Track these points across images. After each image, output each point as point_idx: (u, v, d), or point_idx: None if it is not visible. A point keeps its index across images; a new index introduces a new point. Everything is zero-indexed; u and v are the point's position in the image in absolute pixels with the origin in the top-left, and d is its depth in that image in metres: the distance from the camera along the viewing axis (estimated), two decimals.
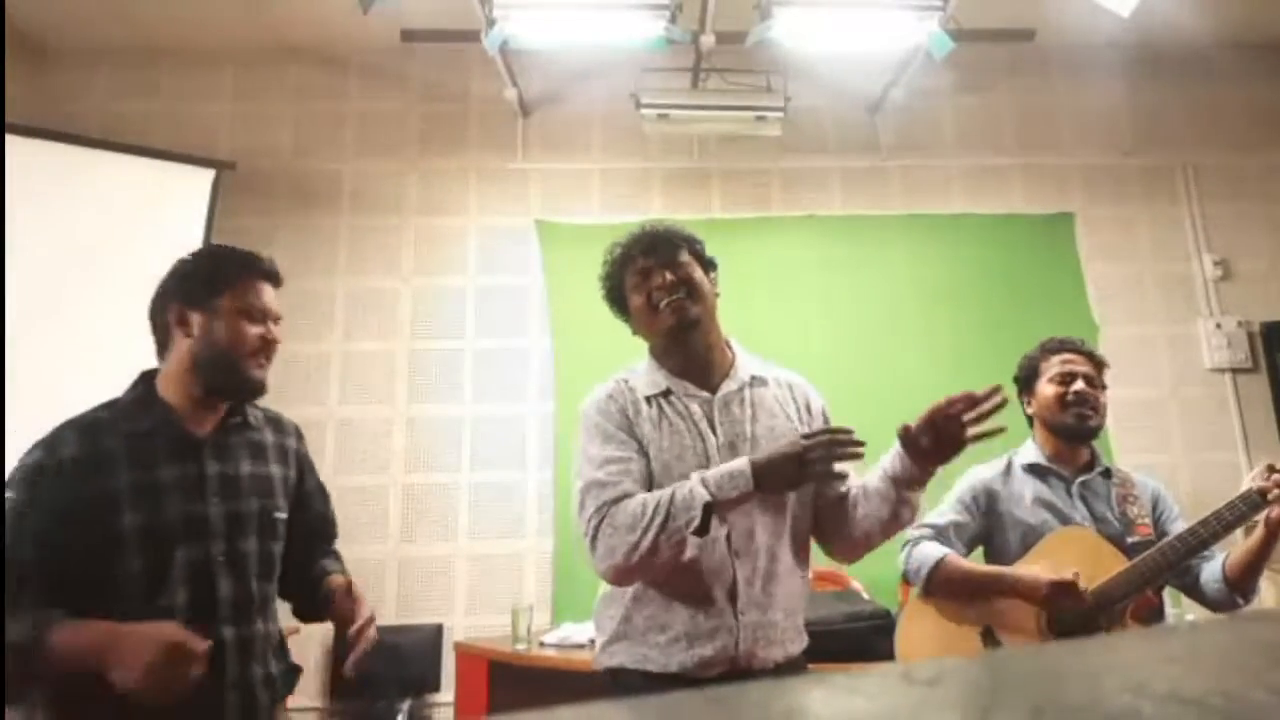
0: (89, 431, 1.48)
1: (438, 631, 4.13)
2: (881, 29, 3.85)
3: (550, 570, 4.17)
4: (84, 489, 1.43)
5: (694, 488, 1.45)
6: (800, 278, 4.53)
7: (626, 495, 1.49)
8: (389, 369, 4.51)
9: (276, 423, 1.72)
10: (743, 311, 4.82)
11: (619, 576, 1.50)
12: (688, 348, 1.65)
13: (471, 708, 3.28)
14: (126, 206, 3.72)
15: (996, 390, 1.49)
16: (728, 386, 1.64)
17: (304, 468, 1.74)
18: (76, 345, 3.35)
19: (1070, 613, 1.84)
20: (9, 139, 3.47)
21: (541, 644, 3.02)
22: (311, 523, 1.73)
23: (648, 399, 1.62)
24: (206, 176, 4.05)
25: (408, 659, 4.12)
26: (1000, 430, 1.49)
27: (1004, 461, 2.13)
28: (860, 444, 1.44)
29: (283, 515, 1.62)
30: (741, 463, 1.46)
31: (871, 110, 4.79)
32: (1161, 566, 1.79)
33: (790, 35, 3.83)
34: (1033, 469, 2.08)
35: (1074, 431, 2.05)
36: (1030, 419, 2.17)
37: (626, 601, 1.55)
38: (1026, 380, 2.16)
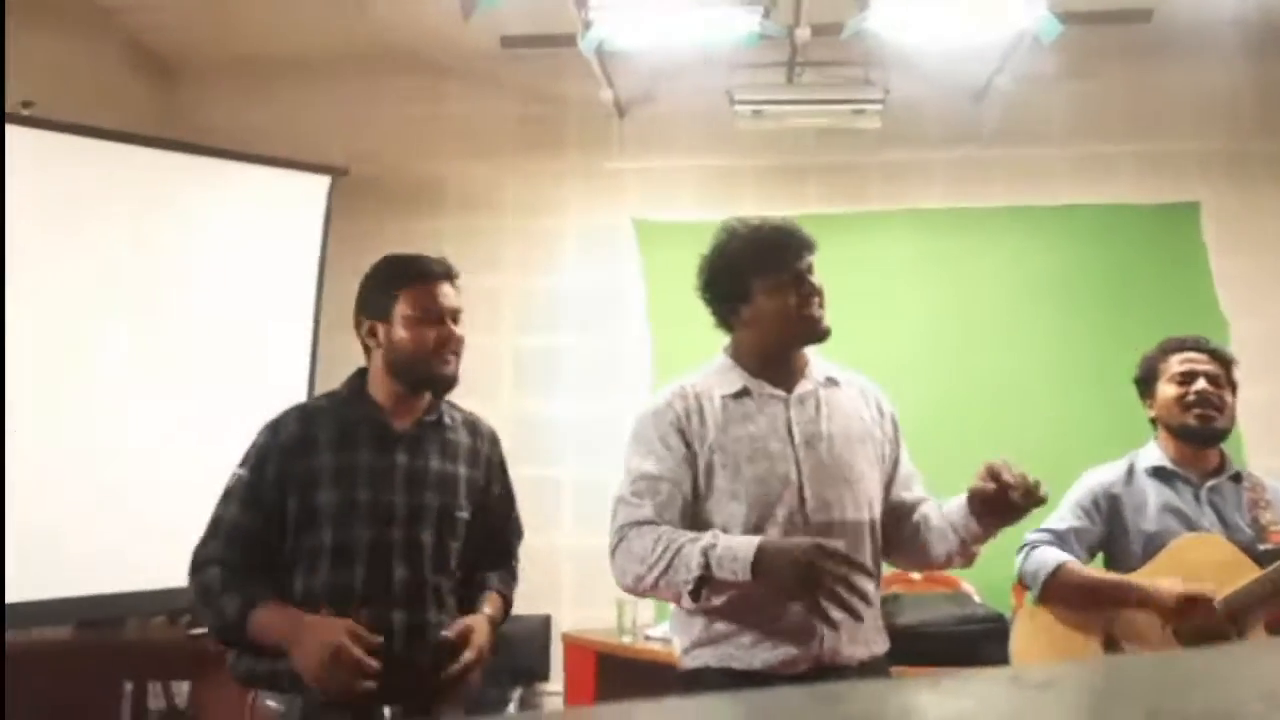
0: (307, 416, 1.70)
1: (546, 622, 4.24)
2: (985, 15, 3.72)
3: None
4: (296, 465, 1.63)
5: (694, 556, 1.44)
6: (899, 274, 4.44)
7: (648, 521, 1.52)
8: (494, 365, 4.62)
9: (473, 426, 1.83)
10: (839, 309, 4.74)
11: (634, 594, 1.57)
12: (791, 356, 1.66)
13: (580, 696, 3.36)
14: (251, 213, 3.92)
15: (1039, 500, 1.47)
16: (804, 386, 1.64)
17: (493, 473, 1.83)
18: (210, 346, 3.54)
19: (1199, 623, 1.76)
20: (142, 151, 3.70)
21: (647, 637, 3.06)
22: (489, 527, 1.81)
23: (723, 399, 1.62)
24: (322, 183, 4.23)
25: (517, 648, 4.18)
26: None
27: (1125, 464, 2.05)
28: (863, 595, 1.40)
29: (464, 514, 1.72)
30: (747, 548, 1.42)
31: (975, 99, 4.64)
32: None
33: (888, 25, 3.73)
34: (1158, 473, 2.00)
35: (1196, 434, 1.96)
36: (1153, 422, 2.08)
37: (707, 606, 1.53)
38: (1146, 382, 2.07)
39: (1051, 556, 1.91)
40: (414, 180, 4.80)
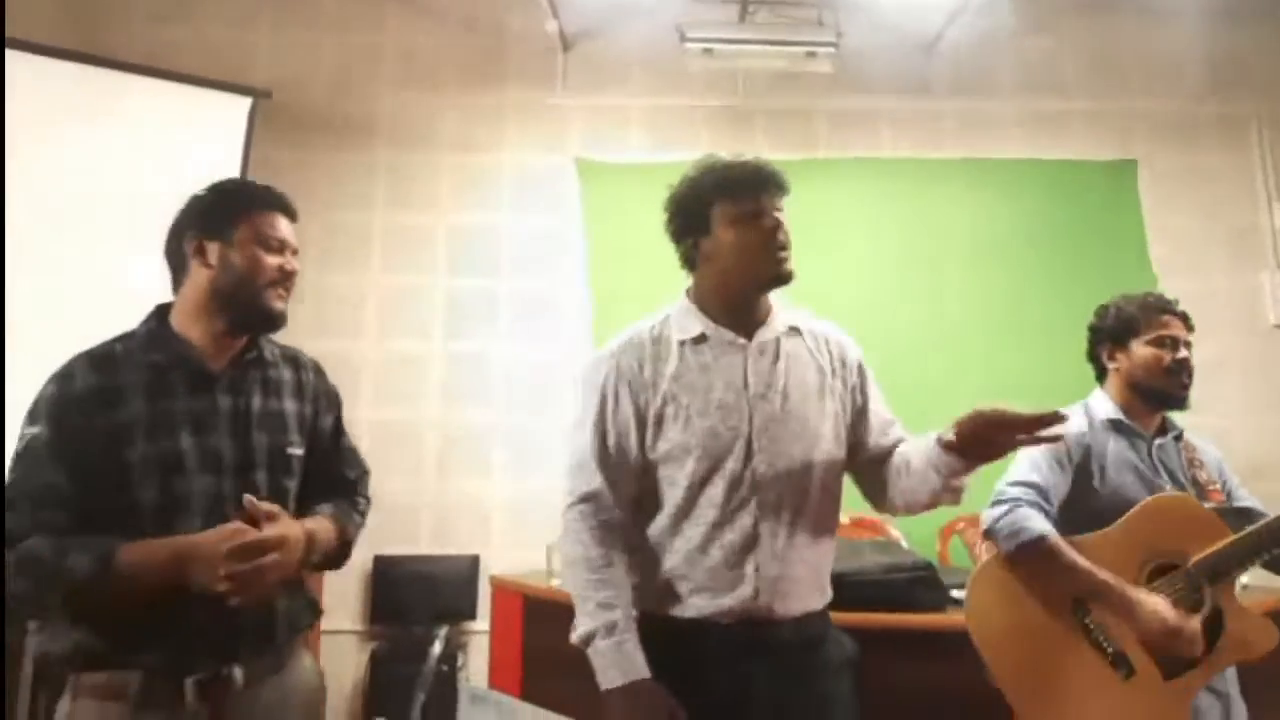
0: (103, 364, 1.47)
1: (474, 563, 4.20)
2: None
3: None
4: (98, 420, 1.42)
5: (582, 626, 1.45)
6: (847, 223, 4.36)
7: (598, 500, 1.51)
8: (427, 305, 4.47)
9: (295, 360, 1.68)
10: (794, 254, 4.68)
11: None
12: (754, 300, 1.59)
13: (507, 637, 3.30)
14: (162, 133, 3.64)
15: (1057, 418, 1.36)
16: (763, 335, 1.59)
17: (320, 404, 1.69)
18: (107, 271, 3.27)
19: (1174, 588, 1.73)
20: (43, 61, 3.41)
21: None
22: (324, 460, 1.68)
23: (680, 344, 1.57)
24: (242, 105, 3.96)
25: (444, 587, 4.19)
26: (1058, 439, 1.41)
27: (1082, 413, 1.99)
28: None
29: (298, 450, 1.59)
30: (615, 678, 1.40)
31: (927, 50, 4.55)
32: (1277, 536, 1.67)
33: None
34: (1115, 425, 1.96)
35: (1169, 400, 1.95)
36: (1102, 370, 2.03)
37: (645, 557, 1.54)
38: (1115, 334, 2.01)
39: (1035, 524, 1.81)
40: (345, 110, 4.55)
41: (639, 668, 1.40)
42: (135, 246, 3.26)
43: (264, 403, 1.56)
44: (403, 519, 4.29)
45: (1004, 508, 1.86)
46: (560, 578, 1.50)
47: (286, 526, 1.45)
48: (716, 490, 1.49)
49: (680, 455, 1.51)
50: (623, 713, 1.38)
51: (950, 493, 1.49)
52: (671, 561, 1.50)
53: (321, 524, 1.56)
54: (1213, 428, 4.02)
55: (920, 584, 2.34)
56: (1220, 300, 4.33)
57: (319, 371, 1.72)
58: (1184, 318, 2.00)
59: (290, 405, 1.61)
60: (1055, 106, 4.54)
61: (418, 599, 4.15)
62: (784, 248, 1.54)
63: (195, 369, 1.51)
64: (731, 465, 1.50)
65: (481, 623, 4.06)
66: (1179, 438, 1.97)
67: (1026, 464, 1.92)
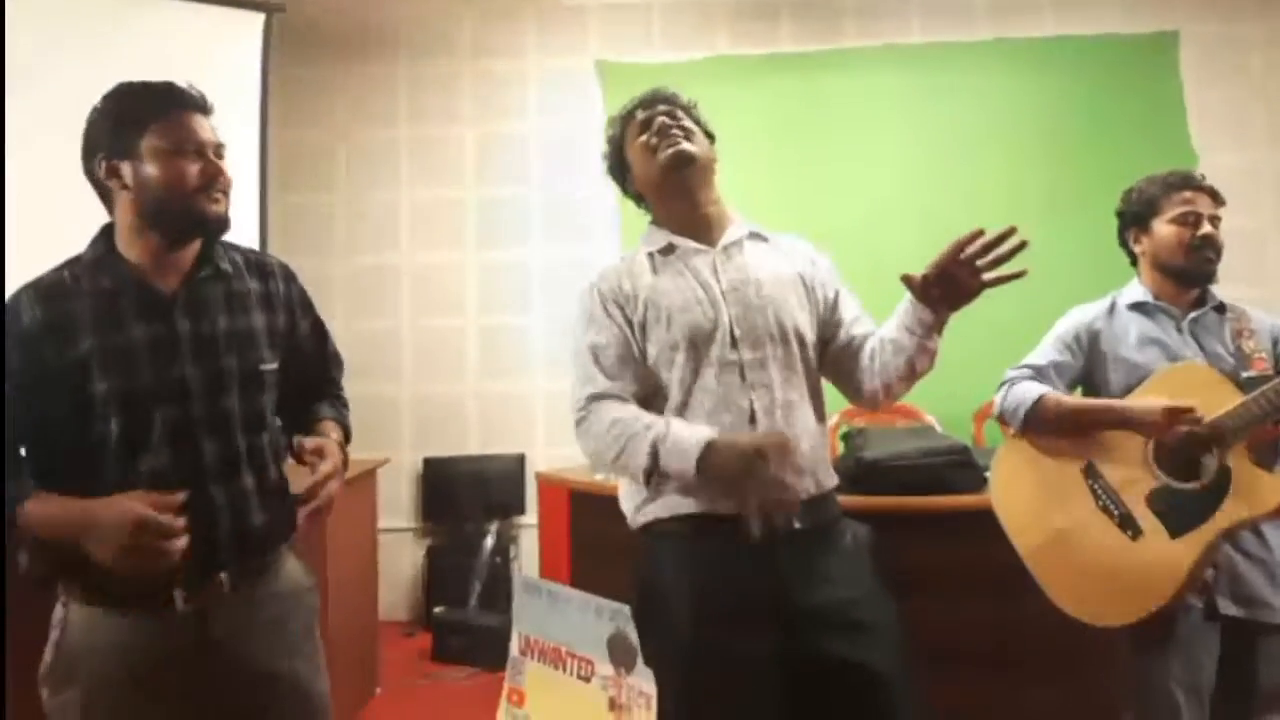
0: (49, 295, 1.37)
1: (520, 461, 4.28)
2: None
3: None
4: (50, 356, 1.33)
5: (643, 447, 1.46)
6: (878, 112, 4.17)
7: (604, 394, 1.54)
8: (458, 216, 4.43)
9: (260, 267, 1.54)
10: (815, 150, 4.53)
11: (597, 469, 1.55)
12: (686, 194, 1.62)
13: (554, 529, 3.38)
14: (172, 56, 3.47)
15: (1011, 232, 1.43)
16: (727, 239, 1.64)
17: (296, 311, 1.58)
18: None
19: (1181, 446, 1.71)
20: None
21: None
22: (307, 367, 1.61)
23: (649, 255, 1.63)
24: (255, 21, 3.80)
25: (494, 485, 4.28)
26: (1020, 274, 1.43)
27: (1108, 301, 1.97)
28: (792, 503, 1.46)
29: (270, 367, 1.49)
30: (696, 440, 1.44)
31: None
32: None
33: None
34: (1139, 307, 1.91)
35: (1196, 277, 1.88)
36: (1135, 256, 1.96)
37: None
38: (1138, 216, 1.93)
39: (1032, 390, 1.85)
40: (360, 21, 4.40)
41: (701, 432, 1.45)
42: None
43: (230, 321, 1.44)
44: (450, 422, 4.37)
45: (1003, 390, 1.91)
46: (603, 467, 1.51)
47: (332, 455, 1.45)
48: (708, 378, 1.53)
49: (669, 352, 1.55)
50: (719, 466, 1.42)
51: (925, 355, 1.51)
52: None
53: (337, 433, 1.56)
54: (1254, 299, 3.91)
55: (956, 467, 2.33)
56: (1263, 174, 4.13)
57: (289, 277, 1.58)
58: (1211, 192, 1.89)
59: (259, 320, 1.49)
60: None
61: (468, 497, 4.24)
62: (670, 136, 1.60)
63: (145, 292, 1.39)
64: (717, 352, 1.54)
65: (530, 517, 4.16)
66: (1221, 309, 1.89)
67: (1033, 351, 1.95)
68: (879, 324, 1.62)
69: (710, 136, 1.69)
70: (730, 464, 1.41)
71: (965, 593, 2.17)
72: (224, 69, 3.59)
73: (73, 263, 1.42)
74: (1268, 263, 4.07)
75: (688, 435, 1.45)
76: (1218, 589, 1.71)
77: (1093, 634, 1.71)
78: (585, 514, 3.10)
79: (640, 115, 1.65)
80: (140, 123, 1.38)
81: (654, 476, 1.47)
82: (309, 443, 1.45)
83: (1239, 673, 1.72)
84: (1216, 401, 1.68)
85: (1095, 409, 1.83)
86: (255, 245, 3.41)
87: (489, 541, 4.01)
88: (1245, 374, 1.74)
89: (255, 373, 1.45)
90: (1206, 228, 1.85)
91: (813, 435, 1.57)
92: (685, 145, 1.59)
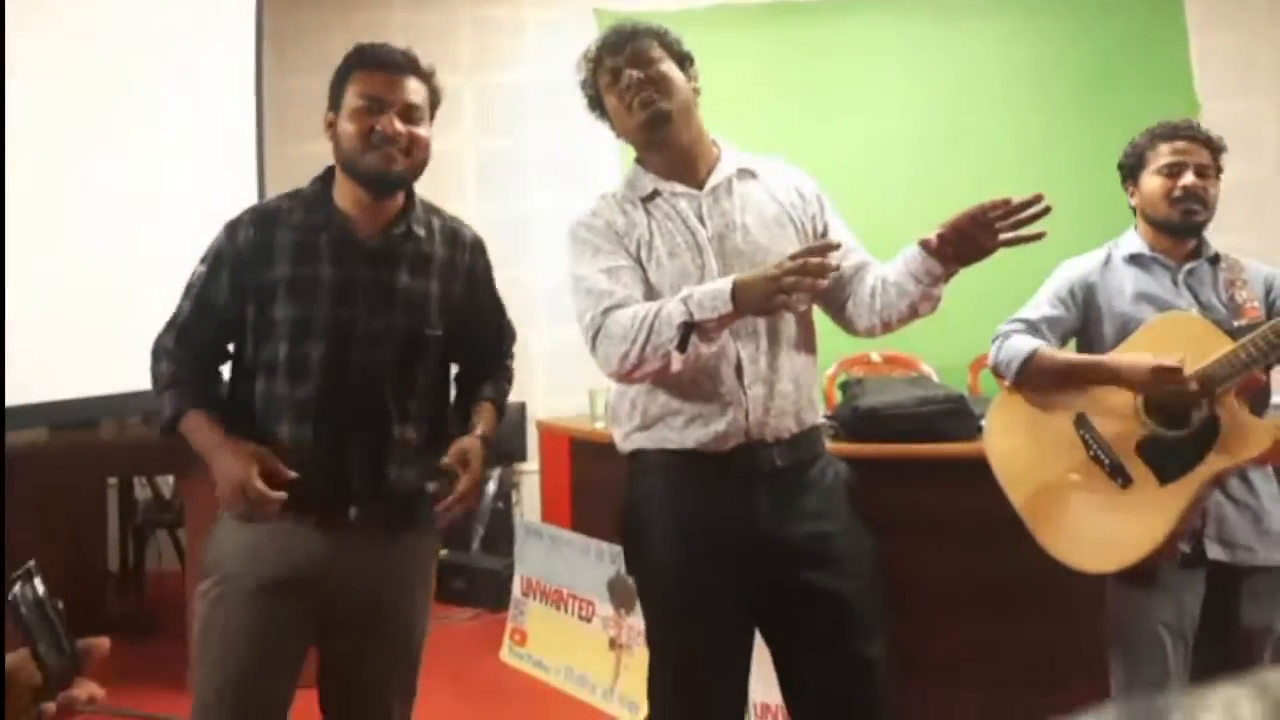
0: (266, 220, 1.53)
1: (521, 409, 4.28)
2: None
3: None
4: (251, 275, 1.50)
5: (675, 308, 1.42)
6: (879, 62, 4.09)
7: (622, 304, 1.49)
8: (457, 167, 4.37)
9: (453, 235, 1.63)
10: (816, 99, 4.45)
11: (619, 380, 1.53)
12: (667, 145, 1.58)
13: (555, 476, 3.43)
14: (171, 6, 3.39)
15: (1038, 199, 1.38)
16: (714, 180, 1.60)
17: (476, 284, 1.66)
18: (110, 154, 2.90)
19: (1169, 395, 1.71)
20: None
21: None
22: (480, 338, 1.70)
23: (634, 202, 1.60)
24: None
25: (497, 433, 4.30)
26: (1039, 236, 1.39)
27: (1103, 253, 1.95)
28: (827, 268, 1.36)
29: (436, 332, 1.56)
30: (724, 283, 1.40)
31: None
32: (1273, 344, 1.61)
33: None
34: (1134, 259, 1.90)
35: (1178, 228, 1.86)
36: (1134, 210, 1.94)
37: (640, 394, 1.56)
38: (1132, 170, 1.92)
39: (1025, 344, 1.84)
40: None
41: (726, 279, 1.41)
42: (134, 133, 3.11)
43: (410, 280, 1.54)
44: None
45: (996, 344, 1.90)
46: (628, 365, 1.48)
47: (472, 467, 1.53)
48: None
49: (658, 296, 1.53)
50: (752, 286, 1.37)
51: (928, 301, 1.50)
52: (665, 396, 1.53)
53: (489, 418, 1.64)
54: (1257, 249, 3.89)
55: (952, 415, 2.34)
56: (1267, 122, 4.05)
57: (478, 250, 1.68)
58: (1204, 141, 1.86)
59: (435, 286, 1.57)
60: None
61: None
62: (637, 96, 1.54)
63: (342, 235, 1.52)
64: None
65: (532, 464, 4.18)
66: (1215, 260, 1.88)
67: (1027, 305, 1.93)
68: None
69: (688, 60, 1.62)
70: (760, 285, 1.36)
71: (961, 538, 2.20)
72: (219, 17, 3.49)
73: (293, 195, 1.58)
74: (1272, 211, 4.01)
75: (712, 284, 1.42)
76: (1206, 534, 1.73)
77: (1082, 579, 1.73)
78: (586, 460, 3.13)
79: (609, 63, 1.59)
80: (344, 79, 1.53)
81: (690, 336, 1.40)
82: (452, 450, 1.54)
83: (1223, 613, 1.75)
84: (1206, 351, 1.68)
85: (1085, 365, 1.82)
86: (254, 195, 3.37)
87: (491, 487, 4.04)
88: (1237, 323, 1.74)
89: (419, 335, 1.54)
90: (1189, 178, 1.81)
91: (799, 376, 1.56)
92: (660, 104, 1.54)
